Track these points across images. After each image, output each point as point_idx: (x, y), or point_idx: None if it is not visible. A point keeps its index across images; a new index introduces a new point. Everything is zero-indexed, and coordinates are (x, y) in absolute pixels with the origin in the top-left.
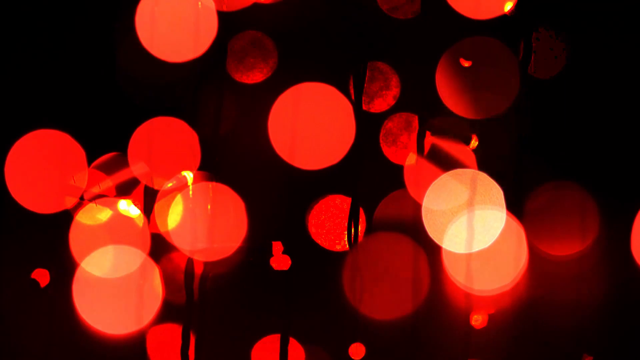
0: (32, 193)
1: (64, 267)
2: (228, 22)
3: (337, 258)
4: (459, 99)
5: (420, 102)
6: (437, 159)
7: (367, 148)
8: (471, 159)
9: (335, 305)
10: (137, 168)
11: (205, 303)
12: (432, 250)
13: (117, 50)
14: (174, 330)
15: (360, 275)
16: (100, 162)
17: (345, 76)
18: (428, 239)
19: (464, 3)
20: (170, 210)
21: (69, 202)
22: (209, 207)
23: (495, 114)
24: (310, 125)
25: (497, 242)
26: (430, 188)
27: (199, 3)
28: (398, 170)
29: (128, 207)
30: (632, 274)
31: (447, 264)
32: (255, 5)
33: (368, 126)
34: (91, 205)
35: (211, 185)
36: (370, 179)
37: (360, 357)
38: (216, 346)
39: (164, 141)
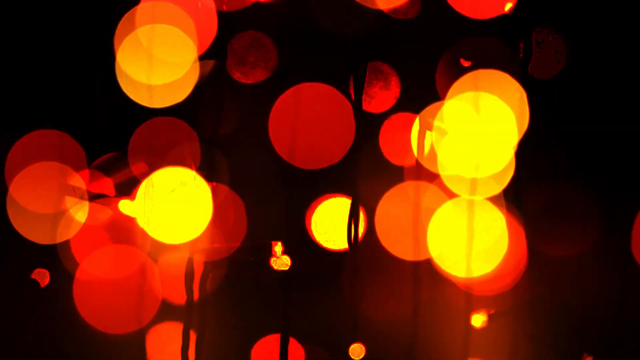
0: (32, 193)
1: (64, 267)
2: (228, 22)
3: (337, 258)
4: (459, 99)
5: (420, 102)
6: (437, 159)
7: (367, 148)
8: (471, 159)
9: (335, 305)
10: (137, 168)
11: (205, 303)
12: (432, 251)
13: (117, 50)
14: (174, 330)
15: (360, 275)
16: (100, 162)
17: (345, 76)
18: (428, 239)
19: (464, 3)
20: (171, 210)
21: (69, 202)
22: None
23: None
24: (310, 125)
25: (497, 242)
26: (430, 188)
27: (199, 3)
28: (398, 170)
29: (128, 207)
30: (632, 274)
31: (447, 264)
32: (255, 5)
33: (368, 126)
34: (91, 205)
35: (211, 185)
36: (370, 179)
37: (360, 357)
38: (216, 346)
39: (164, 141)
